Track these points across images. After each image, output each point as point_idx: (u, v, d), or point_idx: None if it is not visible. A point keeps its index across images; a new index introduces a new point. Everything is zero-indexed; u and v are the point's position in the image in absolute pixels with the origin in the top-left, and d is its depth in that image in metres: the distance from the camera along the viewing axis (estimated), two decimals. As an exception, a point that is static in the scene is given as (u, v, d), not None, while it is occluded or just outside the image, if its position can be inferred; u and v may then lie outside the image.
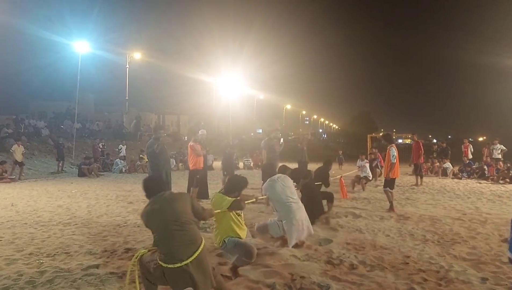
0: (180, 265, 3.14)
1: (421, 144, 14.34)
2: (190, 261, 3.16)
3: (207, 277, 3.25)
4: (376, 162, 13.73)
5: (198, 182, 9.46)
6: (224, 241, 4.21)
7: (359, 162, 12.96)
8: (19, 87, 37.87)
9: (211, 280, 3.29)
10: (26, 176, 15.90)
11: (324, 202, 8.01)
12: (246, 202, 4.51)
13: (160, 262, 3.21)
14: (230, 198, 4.24)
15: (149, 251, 3.44)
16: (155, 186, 3.52)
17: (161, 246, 3.27)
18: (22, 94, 37.48)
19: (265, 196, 5.46)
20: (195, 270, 3.16)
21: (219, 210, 4.16)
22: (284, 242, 5.24)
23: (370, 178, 12.63)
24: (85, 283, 4.01)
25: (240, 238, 4.24)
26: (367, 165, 12.69)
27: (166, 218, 3.27)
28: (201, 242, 3.32)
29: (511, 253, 1.97)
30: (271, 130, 11.10)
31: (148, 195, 3.49)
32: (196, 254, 3.20)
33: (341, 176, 10.02)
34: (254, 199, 4.91)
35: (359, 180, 12.14)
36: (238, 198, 4.35)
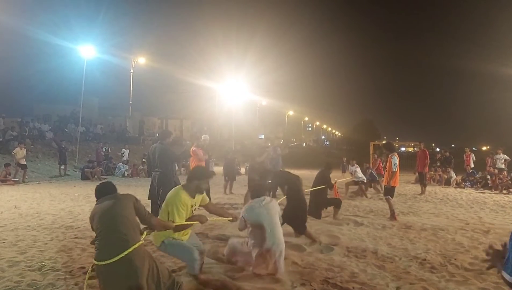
0: (103, 263, 3.13)
1: (427, 153, 14.31)
2: (109, 263, 3.11)
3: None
4: (369, 171, 13.47)
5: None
6: (164, 242, 4.04)
7: (350, 168, 13.02)
8: (25, 91, 38.11)
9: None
10: (30, 178, 15.95)
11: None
12: (213, 219, 4.38)
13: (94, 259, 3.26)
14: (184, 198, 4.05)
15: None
16: (103, 190, 3.58)
17: (96, 244, 3.30)
18: (27, 97, 37.67)
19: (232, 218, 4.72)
20: (116, 271, 3.13)
21: (178, 223, 3.92)
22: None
23: (365, 181, 12.57)
24: (87, 286, 4.02)
25: (182, 241, 4.08)
26: (358, 169, 12.64)
27: (101, 218, 3.30)
28: (131, 246, 3.19)
29: (507, 273, 1.91)
30: (274, 138, 11.18)
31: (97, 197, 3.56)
32: (118, 257, 3.11)
33: (335, 181, 9.87)
34: (231, 218, 4.54)
35: (363, 189, 12.13)
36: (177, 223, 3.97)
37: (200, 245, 4.42)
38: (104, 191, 3.55)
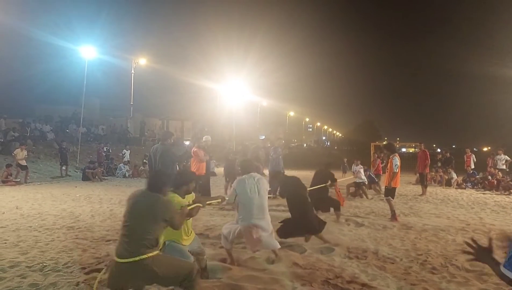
0: (119, 261, 3.11)
1: (428, 153, 14.29)
2: (121, 262, 3.09)
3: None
4: (368, 172, 13.34)
5: (200, 187, 9.49)
6: (165, 243, 3.96)
7: (353, 167, 12.91)
8: (26, 92, 38.06)
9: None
10: (31, 179, 15.98)
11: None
12: (208, 202, 4.35)
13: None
14: (179, 200, 3.99)
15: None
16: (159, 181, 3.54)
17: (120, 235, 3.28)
18: (28, 98, 37.67)
19: (228, 199, 4.94)
20: (126, 272, 3.11)
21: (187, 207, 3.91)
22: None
23: (366, 183, 12.53)
24: (87, 287, 4.04)
25: (182, 245, 4.02)
26: (362, 170, 12.55)
27: (126, 216, 3.29)
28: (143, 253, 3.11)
29: (507, 268, 1.89)
30: (275, 138, 11.16)
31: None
32: (126, 260, 3.07)
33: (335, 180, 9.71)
34: (219, 200, 4.56)
35: (359, 190, 12.11)
36: (190, 203, 4.04)
37: (201, 250, 4.37)
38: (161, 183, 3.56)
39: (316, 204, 7.61)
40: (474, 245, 2.12)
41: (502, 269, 1.92)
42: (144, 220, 3.21)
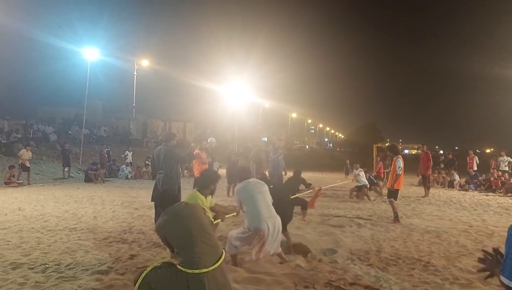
0: (206, 270, 3.02)
1: (430, 155, 14.26)
2: (213, 269, 3.05)
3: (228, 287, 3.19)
4: (367, 175, 13.21)
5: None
6: None
7: (354, 171, 12.91)
8: (29, 93, 38.26)
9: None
10: (34, 180, 16.02)
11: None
12: (227, 216, 4.43)
13: (182, 268, 3.02)
14: (202, 199, 4.08)
15: (154, 268, 3.14)
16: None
17: (183, 254, 3.13)
18: (31, 100, 37.85)
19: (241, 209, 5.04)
20: (217, 278, 3.07)
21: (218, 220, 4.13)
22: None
23: (368, 186, 12.52)
24: (90, 289, 4.04)
25: None
26: (362, 173, 12.51)
27: (190, 226, 3.19)
28: (222, 252, 3.24)
29: (505, 277, 1.89)
30: (276, 139, 11.09)
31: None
32: (219, 263, 3.10)
33: (319, 188, 9.72)
34: (235, 213, 4.73)
35: (359, 192, 12.10)
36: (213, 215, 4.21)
37: None
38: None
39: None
40: (489, 257, 2.11)
41: (502, 278, 1.92)
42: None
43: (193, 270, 2.96)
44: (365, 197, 11.94)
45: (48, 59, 34.86)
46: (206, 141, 9.99)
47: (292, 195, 8.03)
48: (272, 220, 4.74)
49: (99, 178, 17.17)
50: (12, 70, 34.11)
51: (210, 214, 4.16)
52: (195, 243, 3.10)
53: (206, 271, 2.98)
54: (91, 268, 4.66)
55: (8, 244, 5.78)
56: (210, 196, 4.54)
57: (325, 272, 4.67)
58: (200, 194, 4.20)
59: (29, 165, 15.91)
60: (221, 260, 3.12)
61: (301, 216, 7.94)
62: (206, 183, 4.27)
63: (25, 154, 15.81)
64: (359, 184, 12.27)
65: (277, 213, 5.50)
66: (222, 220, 4.30)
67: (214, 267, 3.04)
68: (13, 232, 6.67)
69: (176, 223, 3.23)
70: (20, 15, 25.55)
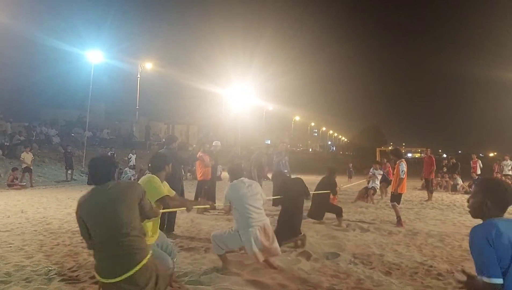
0: (107, 282, 2.65)
1: (434, 159, 14.20)
2: (124, 278, 2.61)
3: None
4: (380, 173, 12.70)
5: (206, 192, 9.49)
6: None
7: (372, 171, 12.35)
8: (32, 96, 38.40)
9: None
10: (36, 183, 16.05)
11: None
12: (196, 206, 4.16)
13: (96, 275, 2.73)
14: (160, 190, 3.72)
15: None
16: (103, 169, 2.93)
17: (97, 254, 2.76)
18: (34, 102, 38.02)
19: (223, 205, 4.88)
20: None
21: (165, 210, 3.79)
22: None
23: (377, 189, 12.34)
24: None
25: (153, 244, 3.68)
26: (380, 176, 12.22)
27: (107, 220, 2.69)
28: (144, 256, 2.73)
29: (487, 276, 2.02)
30: (279, 142, 11.07)
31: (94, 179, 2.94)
32: (132, 271, 2.63)
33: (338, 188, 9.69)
34: (208, 206, 4.45)
35: (365, 194, 11.94)
36: (168, 196, 3.81)
37: (170, 246, 3.98)
38: (105, 174, 2.94)
39: (314, 209, 8.05)
40: (465, 278, 2.25)
41: (481, 278, 2.03)
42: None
43: (100, 278, 2.71)
44: (369, 200, 11.81)
45: (51, 62, 35.04)
46: (210, 144, 9.98)
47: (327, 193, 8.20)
48: (262, 223, 4.65)
49: (102, 181, 17.17)
50: (16, 73, 34.30)
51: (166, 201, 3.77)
52: (102, 245, 2.71)
53: (108, 282, 2.66)
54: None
55: (10, 247, 5.79)
56: (167, 184, 4.11)
57: (328, 276, 4.65)
58: (156, 177, 3.79)
59: (31, 167, 15.92)
60: (128, 273, 2.62)
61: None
62: (159, 165, 3.86)
63: (27, 156, 15.83)
64: (369, 186, 12.04)
65: (286, 225, 5.63)
66: (187, 210, 4.10)
67: (116, 280, 2.62)
68: (15, 234, 6.68)
69: (94, 209, 2.75)
70: (24, 18, 25.79)
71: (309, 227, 7.55)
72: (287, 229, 5.88)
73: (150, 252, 2.85)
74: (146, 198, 2.97)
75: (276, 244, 4.76)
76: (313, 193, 7.92)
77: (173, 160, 6.94)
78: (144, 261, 2.69)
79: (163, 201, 3.77)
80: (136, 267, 2.64)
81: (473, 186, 2.37)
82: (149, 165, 4.01)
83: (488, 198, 2.22)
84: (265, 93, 50.44)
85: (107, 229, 2.69)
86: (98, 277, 2.75)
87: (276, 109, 57.83)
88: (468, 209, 2.34)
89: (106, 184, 2.85)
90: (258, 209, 4.70)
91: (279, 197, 6.60)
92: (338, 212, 8.09)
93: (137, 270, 2.63)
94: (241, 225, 4.62)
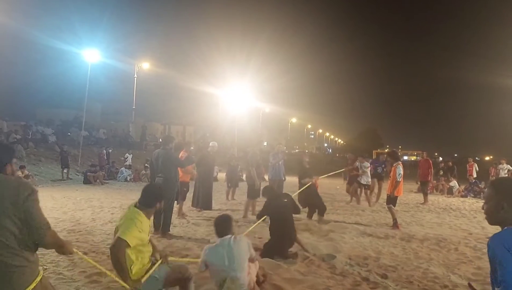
0: None
1: (430, 162, 14.20)
2: None
3: None
4: (367, 166, 12.18)
5: (203, 193, 9.54)
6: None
7: (358, 163, 11.95)
8: (29, 95, 38.24)
9: None
10: (32, 182, 15.97)
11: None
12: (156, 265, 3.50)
13: None
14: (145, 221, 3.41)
15: None
16: None
17: None
18: (31, 101, 37.84)
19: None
20: None
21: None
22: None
23: (369, 185, 12.04)
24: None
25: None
26: (367, 170, 11.85)
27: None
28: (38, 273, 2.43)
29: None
30: (275, 143, 11.09)
31: None
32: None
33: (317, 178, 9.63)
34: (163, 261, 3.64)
35: (367, 196, 11.86)
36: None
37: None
38: None
39: (304, 199, 8.59)
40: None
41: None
42: None
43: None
44: (368, 200, 11.74)
45: (48, 61, 34.92)
46: (208, 144, 9.97)
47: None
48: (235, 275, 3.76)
49: (98, 180, 17.11)
50: (12, 72, 34.15)
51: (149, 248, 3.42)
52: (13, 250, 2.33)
53: None
54: (89, 270, 4.63)
55: (5, 245, 5.75)
56: (150, 224, 3.73)
57: (324, 278, 4.65)
58: (143, 215, 3.41)
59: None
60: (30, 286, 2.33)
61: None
62: (152, 201, 3.47)
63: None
64: (362, 182, 11.73)
65: (283, 233, 5.60)
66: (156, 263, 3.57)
67: None
68: (11, 233, 6.63)
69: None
70: (21, 17, 25.61)
71: (304, 228, 7.55)
72: (276, 252, 5.52)
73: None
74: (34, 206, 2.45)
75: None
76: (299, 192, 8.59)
77: (169, 162, 7.00)
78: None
79: (117, 243, 3.36)
80: None
81: (485, 190, 2.27)
82: (141, 197, 3.59)
83: (504, 200, 1.96)
84: (262, 94, 50.48)
85: None
86: None
87: (273, 110, 57.87)
88: (484, 215, 2.10)
89: None
90: (236, 272, 3.77)
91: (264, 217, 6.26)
92: (321, 210, 8.50)
93: None
94: (217, 283, 3.84)
